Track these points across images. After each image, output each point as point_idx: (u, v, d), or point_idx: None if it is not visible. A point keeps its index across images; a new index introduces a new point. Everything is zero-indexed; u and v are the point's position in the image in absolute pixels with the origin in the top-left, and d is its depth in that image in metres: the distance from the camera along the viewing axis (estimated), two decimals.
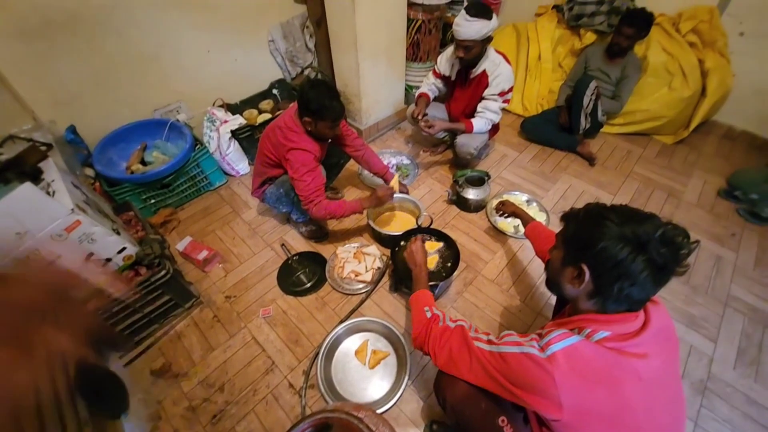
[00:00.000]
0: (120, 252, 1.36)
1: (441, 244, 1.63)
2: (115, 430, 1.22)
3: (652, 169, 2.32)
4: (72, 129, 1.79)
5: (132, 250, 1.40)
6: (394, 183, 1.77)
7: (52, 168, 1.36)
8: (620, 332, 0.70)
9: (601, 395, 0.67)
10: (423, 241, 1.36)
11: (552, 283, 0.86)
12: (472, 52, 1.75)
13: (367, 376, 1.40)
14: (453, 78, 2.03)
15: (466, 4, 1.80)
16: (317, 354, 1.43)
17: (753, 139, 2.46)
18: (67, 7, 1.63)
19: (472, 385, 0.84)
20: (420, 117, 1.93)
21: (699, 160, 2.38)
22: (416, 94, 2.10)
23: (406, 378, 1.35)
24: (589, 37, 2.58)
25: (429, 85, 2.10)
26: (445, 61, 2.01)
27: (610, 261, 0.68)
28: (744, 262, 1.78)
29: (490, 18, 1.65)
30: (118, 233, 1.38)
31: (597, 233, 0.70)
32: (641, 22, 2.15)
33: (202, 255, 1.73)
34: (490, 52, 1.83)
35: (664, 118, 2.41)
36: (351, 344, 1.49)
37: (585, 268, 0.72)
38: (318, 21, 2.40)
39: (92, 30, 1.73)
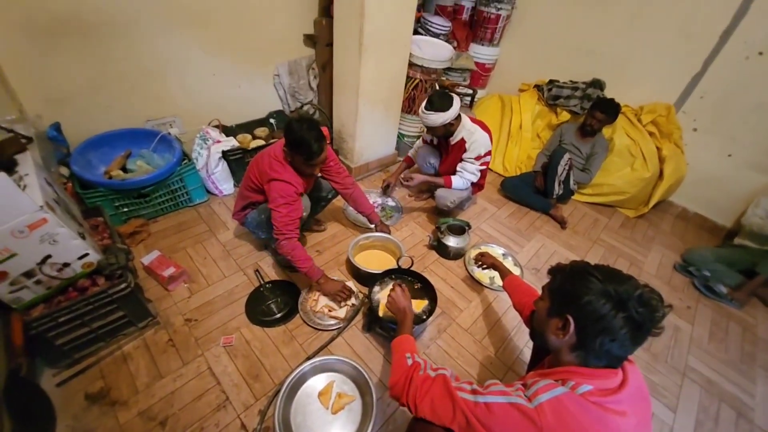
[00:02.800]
0: (81, 258, 1.27)
1: (426, 302, 1.59)
2: None
3: (616, 238, 2.49)
4: (56, 126, 1.74)
5: (94, 257, 1.31)
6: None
7: (28, 162, 1.30)
8: (602, 387, 0.72)
9: None
10: (403, 287, 1.34)
11: (537, 333, 0.88)
12: (437, 132, 2.01)
13: (328, 421, 1.30)
14: (436, 144, 2.27)
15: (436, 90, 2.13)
16: (278, 392, 1.32)
17: (704, 221, 2.72)
18: (84, 16, 1.67)
19: None
20: (392, 183, 2.33)
21: (657, 236, 2.59)
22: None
23: (370, 428, 1.26)
24: (565, 115, 2.88)
25: (416, 149, 2.38)
26: (427, 130, 2.21)
27: (593, 315, 0.72)
28: (699, 335, 1.88)
29: (446, 110, 1.86)
30: (83, 237, 1.30)
31: (582, 288, 0.74)
32: (610, 109, 2.44)
33: (168, 272, 1.63)
34: (466, 122, 2.03)
35: (627, 193, 2.64)
36: (315, 384, 1.39)
37: (570, 319, 0.75)
38: (324, 65, 2.57)
39: (103, 38, 1.77)
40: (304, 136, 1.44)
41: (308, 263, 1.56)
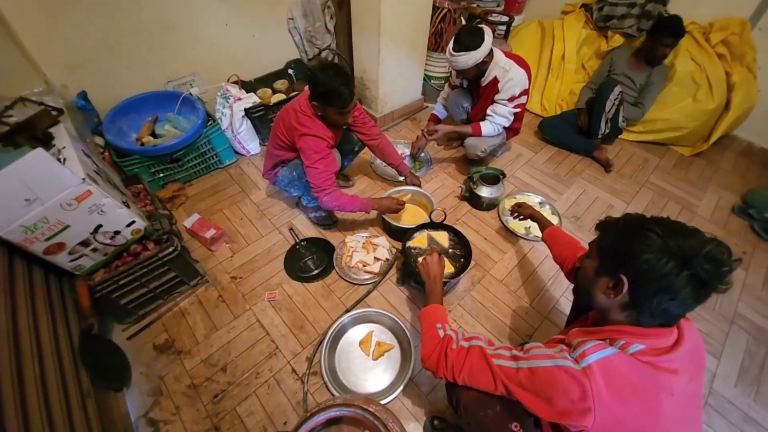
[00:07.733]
0: (129, 225, 1.34)
1: (446, 234, 1.65)
2: (117, 403, 1.22)
3: (668, 180, 2.29)
4: (83, 95, 1.74)
5: (141, 224, 1.37)
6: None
7: (63, 134, 1.32)
8: (654, 346, 0.69)
9: (635, 408, 0.66)
10: (441, 256, 1.30)
11: (583, 292, 0.83)
12: (469, 74, 1.81)
13: (370, 367, 1.40)
14: (466, 87, 2.06)
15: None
16: (321, 341, 1.42)
17: None
18: None
19: None
20: (421, 147, 2.12)
21: (715, 175, 2.35)
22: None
23: (410, 372, 1.34)
24: (617, 39, 2.51)
25: (441, 101, 2.19)
26: (456, 73, 2.00)
27: (652, 274, 0.66)
28: (753, 281, 1.77)
29: (476, 47, 1.65)
30: (128, 206, 1.35)
31: (640, 245, 0.67)
32: (680, 31, 2.08)
33: (210, 233, 1.71)
34: (499, 58, 1.80)
35: (684, 129, 2.37)
36: (356, 334, 1.48)
37: (624, 278, 0.69)
38: (340, 2, 2.33)
39: None
40: (333, 85, 1.36)
41: (356, 204, 1.60)
